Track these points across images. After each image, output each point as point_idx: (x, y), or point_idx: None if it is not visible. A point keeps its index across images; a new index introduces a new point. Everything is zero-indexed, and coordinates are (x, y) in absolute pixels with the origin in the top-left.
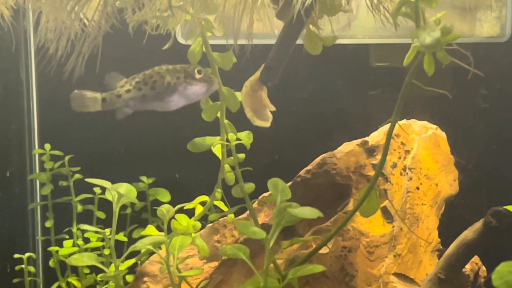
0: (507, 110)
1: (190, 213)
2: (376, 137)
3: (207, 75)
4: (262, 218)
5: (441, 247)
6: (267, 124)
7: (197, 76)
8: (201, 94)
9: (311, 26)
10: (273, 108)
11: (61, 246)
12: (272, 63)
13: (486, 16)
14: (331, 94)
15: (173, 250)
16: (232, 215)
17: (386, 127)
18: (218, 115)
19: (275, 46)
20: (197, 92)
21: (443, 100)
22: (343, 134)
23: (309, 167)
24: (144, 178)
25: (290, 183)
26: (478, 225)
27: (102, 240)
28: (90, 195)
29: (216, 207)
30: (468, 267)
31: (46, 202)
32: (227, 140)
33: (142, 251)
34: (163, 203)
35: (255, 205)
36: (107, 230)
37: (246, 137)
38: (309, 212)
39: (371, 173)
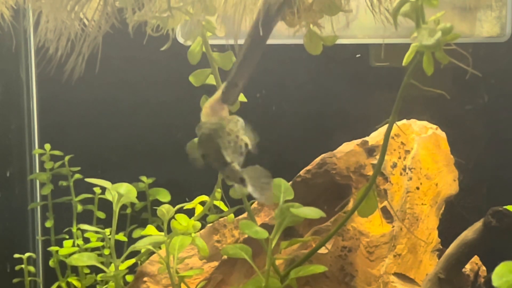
0: (507, 110)
1: (190, 213)
2: (376, 137)
3: None
4: (262, 218)
5: (441, 247)
6: None
7: None
8: None
9: (311, 25)
10: None
11: (61, 246)
12: (234, 79)
13: (486, 16)
14: (331, 94)
15: (173, 250)
16: (232, 215)
17: (386, 127)
18: None
19: (238, 60)
20: None
21: (443, 100)
22: (343, 134)
23: (309, 167)
24: (144, 178)
25: (290, 183)
26: (478, 225)
27: (102, 240)
28: (90, 195)
29: (216, 207)
30: (468, 267)
31: (46, 202)
32: None
33: (142, 251)
34: (163, 203)
35: (255, 205)
36: (107, 230)
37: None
38: (312, 212)
39: (371, 173)
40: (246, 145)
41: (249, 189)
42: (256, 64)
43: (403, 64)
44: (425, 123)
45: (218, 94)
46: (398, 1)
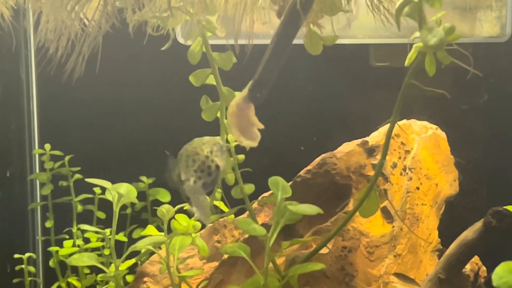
0: (507, 110)
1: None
2: (376, 137)
3: None
4: (262, 218)
5: (441, 247)
6: (255, 143)
7: None
8: None
9: (312, 25)
10: (261, 126)
11: (61, 246)
12: (261, 78)
13: (486, 16)
14: (331, 94)
15: (173, 250)
16: (232, 215)
17: (386, 127)
18: (218, 115)
19: (265, 58)
20: None
21: (443, 100)
22: (343, 134)
23: (309, 167)
24: (144, 178)
25: (290, 183)
26: (478, 225)
27: (102, 240)
28: (90, 195)
29: (216, 207)
30: (468, 267)
31: (46, 202)
32: (227, 141)
33: (142, 251)
34: (163, 203)
35: (255, 205)
36: (107, 230)
37: None
38: (309, 209)
39: (371, 173)
40: (217, 166)
41: (193, 208)
42: (283, 60)
43: (406, 64)
44: (425, 123)
45: (244, 92)
46: (401, 2)
